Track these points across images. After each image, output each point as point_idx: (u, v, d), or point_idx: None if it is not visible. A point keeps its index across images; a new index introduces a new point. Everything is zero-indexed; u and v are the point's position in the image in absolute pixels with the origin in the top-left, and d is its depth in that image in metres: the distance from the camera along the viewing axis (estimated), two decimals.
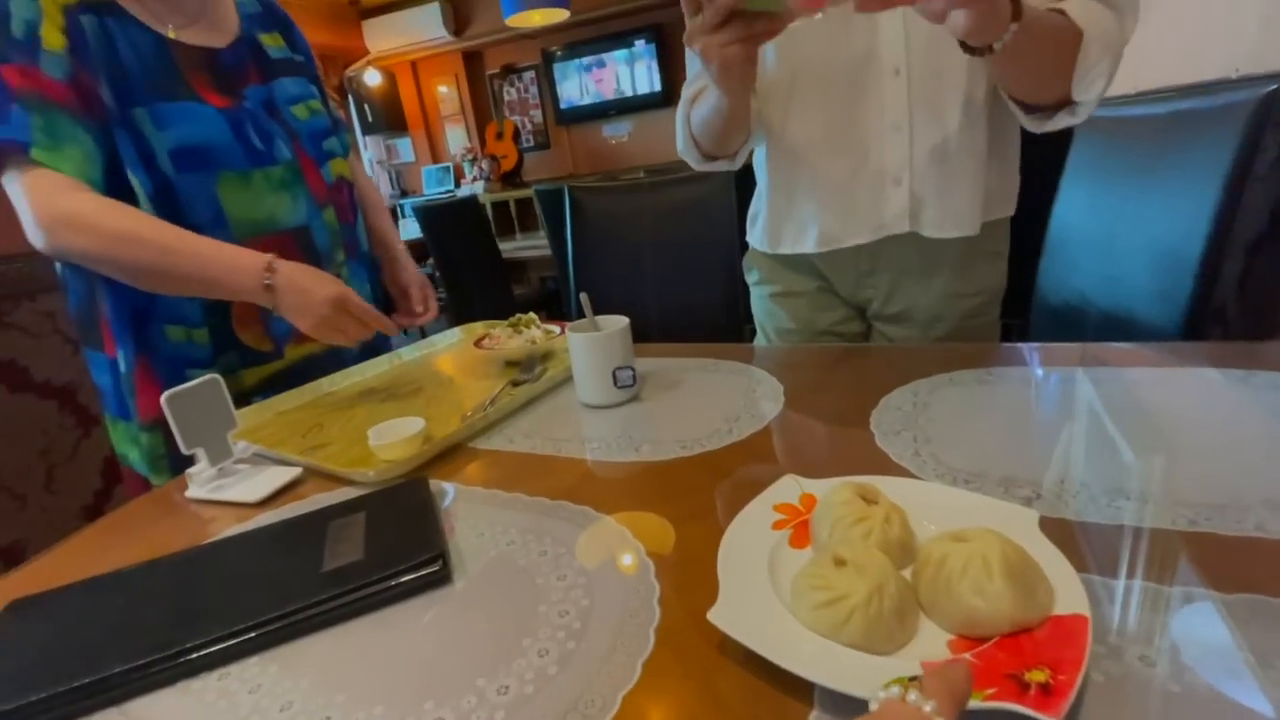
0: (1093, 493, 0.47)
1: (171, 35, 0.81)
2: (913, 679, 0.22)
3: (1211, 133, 0.88)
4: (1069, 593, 0.33)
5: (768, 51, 0.82)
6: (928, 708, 0.21)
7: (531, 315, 0.97)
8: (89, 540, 0.61)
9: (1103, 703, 0.30)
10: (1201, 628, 0.34)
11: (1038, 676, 0.29)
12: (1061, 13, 0.65)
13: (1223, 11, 1.35)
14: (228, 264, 0.76)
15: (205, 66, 0.84)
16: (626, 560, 0.46)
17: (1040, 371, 0.70)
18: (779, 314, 0.98)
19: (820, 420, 0.66)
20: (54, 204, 0.72)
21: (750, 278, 1.03)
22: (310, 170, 0.91)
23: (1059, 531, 0.40)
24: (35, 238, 0.73)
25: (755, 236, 0.97)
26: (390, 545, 0.48)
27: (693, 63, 0.85)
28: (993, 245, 0.87)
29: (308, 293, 0.76)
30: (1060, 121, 0.71)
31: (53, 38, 0.72)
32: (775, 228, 0.91)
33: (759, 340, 1.05)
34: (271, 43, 0.92)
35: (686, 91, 0.88)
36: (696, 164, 0.90)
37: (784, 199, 0.89)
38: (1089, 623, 0.31)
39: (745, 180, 1.70)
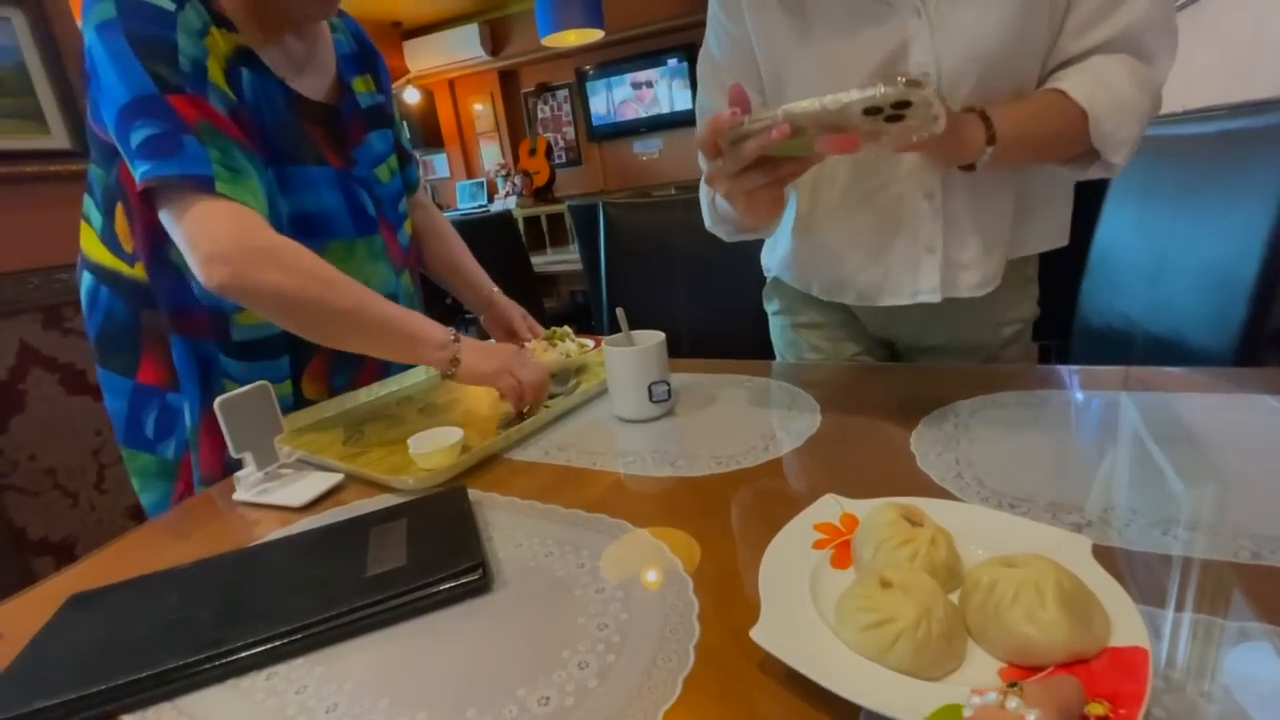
0: (1144, 522, 0.45)
1: (293, 86, 0.80)
2: (1012, 685, 0.21)
3: (1264, 151, 0.86)
4: (1127, 624, 0.32)
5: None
6: (1031, 717, 0.20)
7: (566, 329, 0.98)
8: (142, 538, 0.63)
9: None
10: (1264, 665, 0.32)
11: (1097, 710, 0.28)
12: (1062, 93, 0.64)
13: (1275, 27, 1.31)
14: (415, 329, 0.74)
15: (324, 122, 0.83)
16: (664, 575, 0.46)
17: (1084, 395, 0.68)
18: (800, 343, 0.97)
19: (858, 440, 0.65)
20: (252, 236, 0.68)
21: (770, 306, 1.01)
22: (390, 237, 0.91)
23: (1109, 560, 0.39)
24: (212, 271, 0.66)
25: (778, 268, 0.93)
26: (431, 552, 0.49)
27: (701, 111, 0.81)
28: (1026, 271, 0.85)
29: (489, 350, 0.77)
30: (1096, 172, 0.70)
31: (218, 77, 0.71)
32: (805, 275, 0.89)
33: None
34: (363, 88, 0.90)
35: (706, 167, 0.87)
36: (727, 238, 0.88)
37: (814, 253, 0.86)
38: (1149, 655, 0.30)
39: None
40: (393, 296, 0.85)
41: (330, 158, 0.83)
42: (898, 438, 0.63)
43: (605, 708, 0.35)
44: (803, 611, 0.37)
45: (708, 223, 0.86)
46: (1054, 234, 0.81)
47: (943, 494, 0.52)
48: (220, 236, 0.66)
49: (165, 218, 0.68)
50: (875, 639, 0.33)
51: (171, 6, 0.67)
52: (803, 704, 0.33)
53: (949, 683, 0.32)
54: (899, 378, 0.83)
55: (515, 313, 1.05)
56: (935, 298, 0.77)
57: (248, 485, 0.66)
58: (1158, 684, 0.32)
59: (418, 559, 0.49)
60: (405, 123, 4.97)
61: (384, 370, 0.96)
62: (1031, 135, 0.65)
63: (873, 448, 0.63)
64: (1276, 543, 0.41)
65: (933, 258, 0.77)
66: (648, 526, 0.52)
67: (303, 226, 0.79)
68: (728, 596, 0.43)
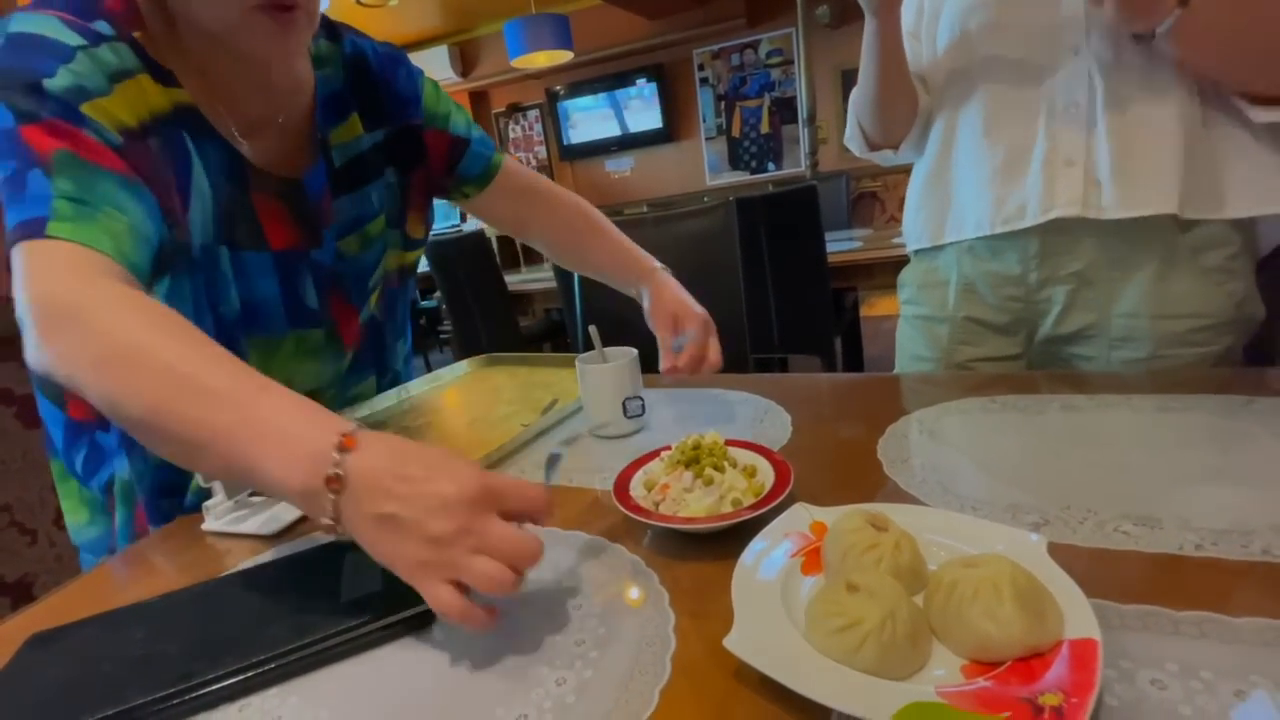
0: (1099, 519, 0.47)
1: (245, 153, 0.67)
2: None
3: None
4: (1079, 617, 0.34)
5: (939, 33, 0.81)
6: None
7: (716, 437, 0.57)
8: (105, 574, 0.62)
9: None
10: (1211, 651, 0.34)
11: (1051, 700, 0.29)
12: None
13: None
14: (257, 452, 0.42)
15: (281, 195, 0.70)
16: (641, 589, 0.46)
17: (1042, 399, 0.71)
18: (916, 340, 0.93)
19: (828, 449, 0.67)
20: (53, 288, 0.48)
21: (901, 295, 0.98)
22: (346, 319, 0.79)
23: (1067, 557, 0.41)
24: (27, 346, 0.48)
25: (913, 232, 0.91)
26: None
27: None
28: (1215, 260, 0.72)
29: (410, 496, 0.40)
30: None
31: (119, 119, 0.57)
32: (936, 216, 0.86)
33: (899, 368, 0.99)
34: (346, 136, 0.75)
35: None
36: (860, 152, 0.89)
37: (945, 186, 0.84)
38: (1099, 646, 0.32)
39: (746, 213, 1.73)
40: (314, 391, 0.72)
41: (275, 237, 0.70)
42: (865, 446, 0.64)
43: None
44: (774, 618, 0.38)
45: (847, 134, 0.89)
46: (1242, 200, 0.69)
47: (909, 499, 0.54)
48: (27, 293, 0.48)
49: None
50: (843, 642, 0.34)
51: (78, 42, 0.55)
52: (776, 708, 0.34)
53: (915, 681, 0.33)
54: (866, 388, 0.85)
55: (690, 308, 0.78)
56: (1074, 210, 0.72)
57: (217, 515, 0.65)
58: (1110, 673, 0.33)
59: (393, 583, 0.48)
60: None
61: (347, 396, 0.87)
62: (1238, 22, 0.54)
63: (841, 457, 0.65)
64: (1219, 535, 0.44)
65: (1072, 170, 0.72)
66: (624, 542, 0.53)
67: (245, 318, 0.69)
68: (703, 608, 0.43)
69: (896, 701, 0.31)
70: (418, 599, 0.45)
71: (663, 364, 0.77)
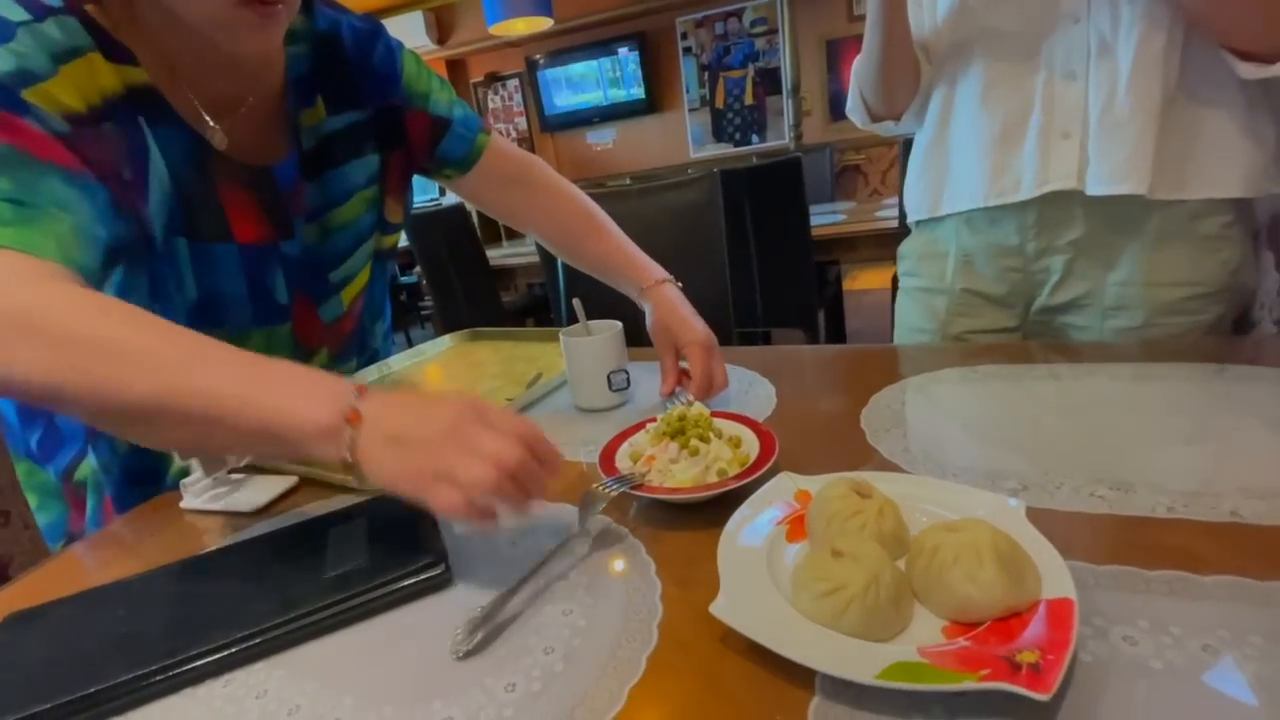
0: (1075, 484, 0.48)
1: (211, 138, 0.62)
2: None
3: None
4: (1056, 578, 0.35)
5: (940, 1, 0.80)
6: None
7: (701, 409, 0.58)
8: (82, 554, 0.61)
9: (1090, 681, 0.32)
10: (1181, 608, 0.35)
11: (1028, 658, 0.30)
12: None
13: None
14: (273, 409, 0.43)
15: (248, 185, 0.66)
16: (628, 559, 0.47)
17: (1020, 368, 0.72)
18: (914, 312, 0.94)
19: (812, 419, 0.67)
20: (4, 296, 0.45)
21: (901, 267, 0.98)
22: (307, 315, 0.75)
23: (1044, 521, 0.42)
24: None
25: (913, 203, 0.91)
26: (392, 550, 0.49)
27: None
28: (1210, 228, 0.73)
29: (417, 428, 0.44)
30: None
31: (66, 104, 0.53)
32: (934, 187, 0.86)
33: (898, 340, 0.98)
34: (313, 120, 0.70)
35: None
36: (862, 123, 0.89)
37: (943, 156, 0.85)
38: (1075, 606, 0.33)
39: (730, 185, 1.72)
40: None
41: (242, 230, 0.66)
42: (849, 416, 0.65)
43: (571, 690, 0.36)
44: (760, 585, 0.38)
45: (849, 105, 0.89)
46: (1225, 177, 0.70)
47: (892, 467, 0.54)
48: None
49: None
50: (828, 606, 0.35)
51: (20, 17, 0.51)
52: (763, 672, 0.35)
53: (898, 643, 0.34)
54: (849, 359, 0.86)
55: (693, 332, 0.72)
56: (1068, 184, 0.73)
57: (196, 492, 0.64)
58: (1084, 630, 0.34)
59: (378, 557, 0.48)
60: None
61: (336, 367, 0.85)
62: None
63: (826, 426, 0.65)
64: (1189, 498, 0.45)
65: (1068, 143, 0.72)
66: (610, 513, 0.53)
67: (203, 312, 0.65)
68: (690, 576, 0.44)
69: (880, 662, 0.31)
70: (404, 572, 0.46)
71: (663, 388, 0.74)
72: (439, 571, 0.46)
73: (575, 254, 0.87)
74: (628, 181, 1.88)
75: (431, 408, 0.44)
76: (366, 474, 0.43)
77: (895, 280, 2.34)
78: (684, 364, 0.74)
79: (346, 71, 0.72)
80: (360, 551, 0.49)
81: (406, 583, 0.46)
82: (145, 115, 0.59)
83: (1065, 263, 0.80)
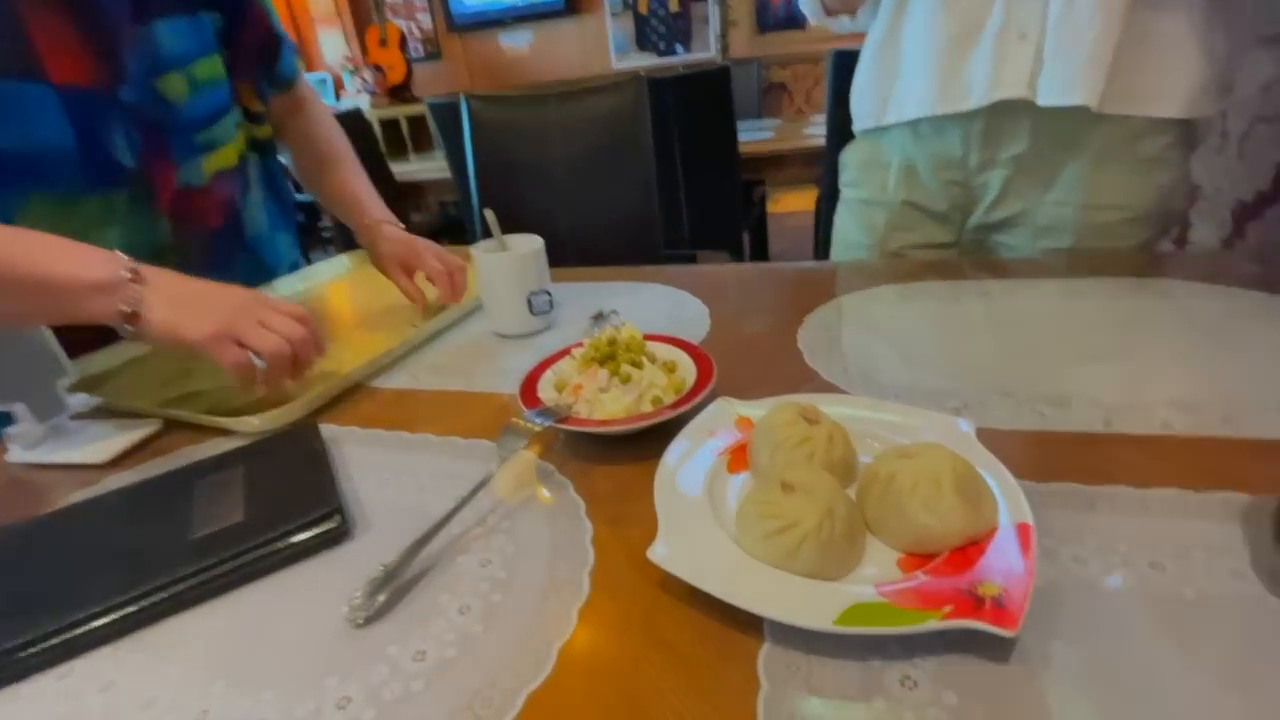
0: (1016, 400, 0.47)
1: None
2: None
3: None
4: (1012, 502, 0.33)
5: None
6: None
7: (633, 330, 0.52)
8: None
9: (1044, 605, 0.30)
10: (1126, 525, 0.35)
11: (990, 590, 0.28)
12: None
13: None
14: (52, 268, 0.47)
15: (63, 9, 0.55)
16: (555, 499, 0.42)
17: (956, 284, 0.70)
18: (853, 226, 0.91)
19: (748, 340, 0.63)
20: None
21: (842, 177, 0.94)
22: (165, 180, 0.66)
23: (988, 440, 0.40)
24: None
25: (859, 110, 0.87)
26: (275, 503, 0.42)
27: None
28: (1150, 149, 0.71)
29: (200, 294, 0.51)
30: None
31: None
32: (881, 92, 0.82)
33: (835, 255, 0.96)
34: None
35: None
36: (814, 17, 0.84)
37: (894, 59, 0.80)
38: (1033, 532, 0.31)
39: (656, 95, 1.60)
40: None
41: (57, 67, 0.55)
42: (785, 336, 0.62)
43: (492, 653, 0.31)
44: (702, 524, 0.35)
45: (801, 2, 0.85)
46: (1171, 92, 0.68)
47: (832, 389, 0.52)
48: None
49: None
50: (779, 545, 0.31)
51: None
52: (708, 620, 0.31)
53: (851, 580, 0.31)
54: (782, 277, 0.82)
55: (417, 246, 0.73)
56: (1019, 91, 0.70)
57: (27, 443, 0.53)
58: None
59: (258, 512, 0.41)
60: None
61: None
62: None
63: (762, 348, 0.61)
64: (1124, 410, 0.45)
65: (1024, 45, 0.69)
66: (534, 448, 0.48)
67: (20, 169, 0.56)
68: (624, 514, 0.40)
69: (837, 605, 0.28)
70: (290, 528, 0.39)
71: (414, 301, 0.74)
72: (333, 525, 0.40)
73: (316, 184, 0.85)
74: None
75: (217, 288, 0.51)
76: (148, 327, 0.47)
77: (819, 203, 2.31)
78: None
79: None
80: (235, 506, 0.42)
81: (293, 540, 0.39)
82: None
83: (1004, 178, 0.78)
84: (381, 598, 0.34)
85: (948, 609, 0.27)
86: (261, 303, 0.52)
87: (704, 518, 0.35)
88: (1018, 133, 0.75)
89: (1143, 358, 0.52)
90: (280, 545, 0.39)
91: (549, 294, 0.68)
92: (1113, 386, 0.48)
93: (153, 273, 0.49)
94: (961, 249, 0.87)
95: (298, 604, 0.36)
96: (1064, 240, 0.77)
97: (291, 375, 0.53)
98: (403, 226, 0.78)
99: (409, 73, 4.37)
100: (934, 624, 0.27)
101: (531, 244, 0.67)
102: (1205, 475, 0.37)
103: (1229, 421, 0.42)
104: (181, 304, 0.49)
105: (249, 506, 0.42)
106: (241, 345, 0.49)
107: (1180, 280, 0.64)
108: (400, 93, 4.36)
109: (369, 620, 0.34)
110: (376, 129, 3.36)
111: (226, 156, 0.74)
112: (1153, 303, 0.61)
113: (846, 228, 0.93)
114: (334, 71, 4.45)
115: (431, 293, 0.73)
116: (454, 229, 3.00)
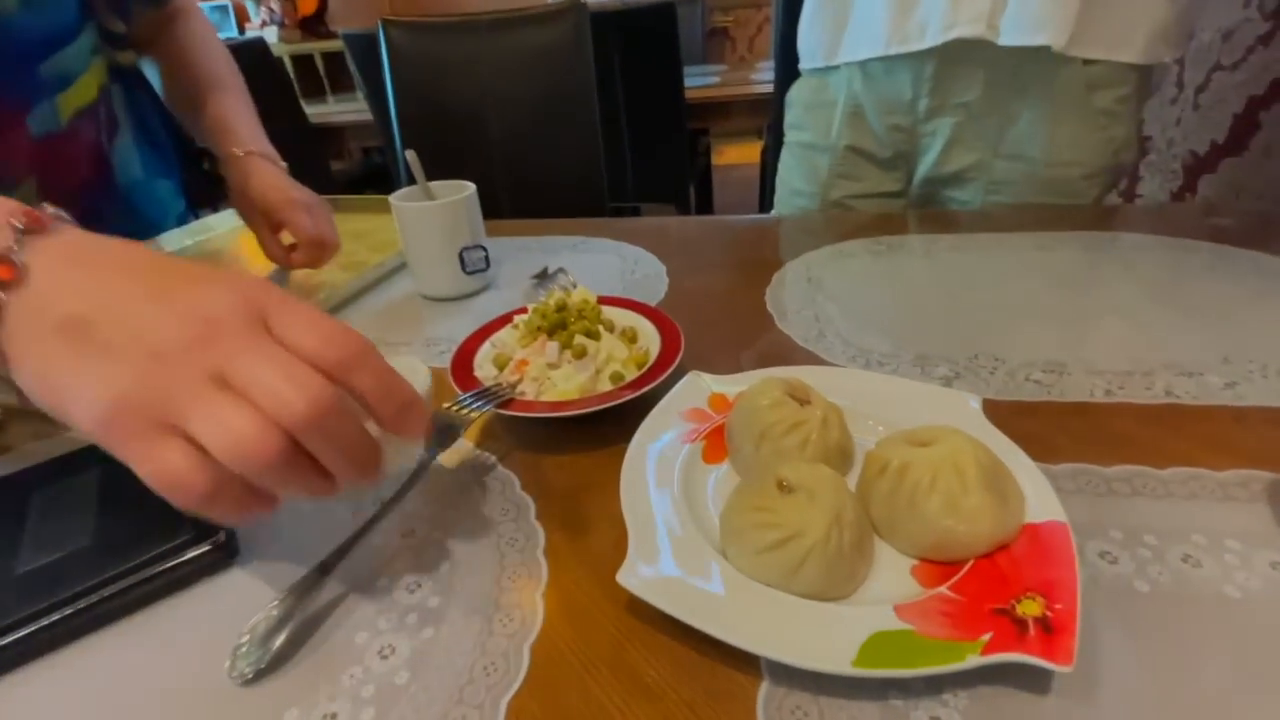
0: (1009, 367, 0.43)
1: None
2: None
3: None
4: (1039, 495, 0.28)
5: None
6: None
7: (584, 291, 0.46)
8: None
9: (1083, 616, 0.26)
10: (1148, 510, 0.31)
11: (1031, 610, 0.23)
12: None
13: None
14: None
15: None
16: (498, 500, 0.35)
17: (930, 239, 0.66)
18: (795, 172, 0.86)
19: (711, 303, 0.57)
20: None
21: (787, 116, 0.87)
22: (14, 131, 0.55)
23: (990, 416, 0.35)
24: None
25: (806, 47, 0.81)
26: (136, 519, 0.33)
27: None
28: (1105, 100, 0.68)
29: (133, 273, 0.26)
30: None
31: None
32: (831, 29, 0.76)
33: (778, 203, 0.90)
34: None
35: None
36: None
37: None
38: (1070, 531, 0.26)
39: (598, 29, 1.48)
40: None
41: None
42: (753, 297, 0.56)
43: (424, 710, 0.24)
44: (680, 535, 0.29)
45: None
46: (1132, 33, 0.64)
47: (809, 356, 0.46)
48: None
49: None
50: (778, 561, 0.26)
51: None
52: (692, 653, 0.26)
53: (864, 601, 0.26)
54: (741, 232, 0.76)
55: (292, 194, 0.60)
56: (978, 30, 0.65)
57: None
58: None
59: (113, 530, 0.32)
60: None
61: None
62: None
63: (727, 311, 0.55)
64: (1123, 378, 0.41)
65: None
66: (470, 434, 0.40)
67: None
68: (581, 518, 0.33)
69: (853, 637, 0.23)
70: (157, 552, 0.31)
71: (270, 257, 0.62)
72: (214, 544, 0.32)
73: (191, 116, 0.70)
74: None
75: (170, 277, 0.24)
76: (16, 379, 0.24)
77: (764, 153, 2.24)
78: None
79: None
80: (83, 524, 0.33)
81: (161, 567, 0.31)
82: None
83: (953, 127, 0.74)
84: (277, 642, 0.27)
85: (986, 637, 0.23)
86: (253, 315, 0.24)
87: (682, 526, 0.29)
88: (970, 79, 0.71)
89: (1131, 318, 0.49)
90: (143, 575, 0.30)
91: (484, 249, 0.59)
92: (1108, 350, 0.44)
93: (50, 260, 0.25)
94: (911, 202, 0.84)
95: (164, 656, 0.28)
96: (1015, 196, 0.74)
97: (317, 490, 0.24)
98: (285, 167, 0.65)
99: (323, 3, 3.96)
100: (974, 660, 0.22)
101: (462, 190, 0.58)
102: (1221, 451, 0.34)
103: (1233, 390, 0.39)
104: (75, 337, 0.23)
105: (101, 524, 0.33)
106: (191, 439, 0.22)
107: (1151, 235, 0.61)
108: (313, 25, 3.95)
109: (259, 675, 0.26)
110: (288, 65, 3.04)
111: (85, 91, 0.60)
112: (1123, 257, 0.58)
113: (790, 173, 0.88)
114: (236, 0, 3.98)
115: (361, 250, 0.63)
116: (379, 177, 2.77)
